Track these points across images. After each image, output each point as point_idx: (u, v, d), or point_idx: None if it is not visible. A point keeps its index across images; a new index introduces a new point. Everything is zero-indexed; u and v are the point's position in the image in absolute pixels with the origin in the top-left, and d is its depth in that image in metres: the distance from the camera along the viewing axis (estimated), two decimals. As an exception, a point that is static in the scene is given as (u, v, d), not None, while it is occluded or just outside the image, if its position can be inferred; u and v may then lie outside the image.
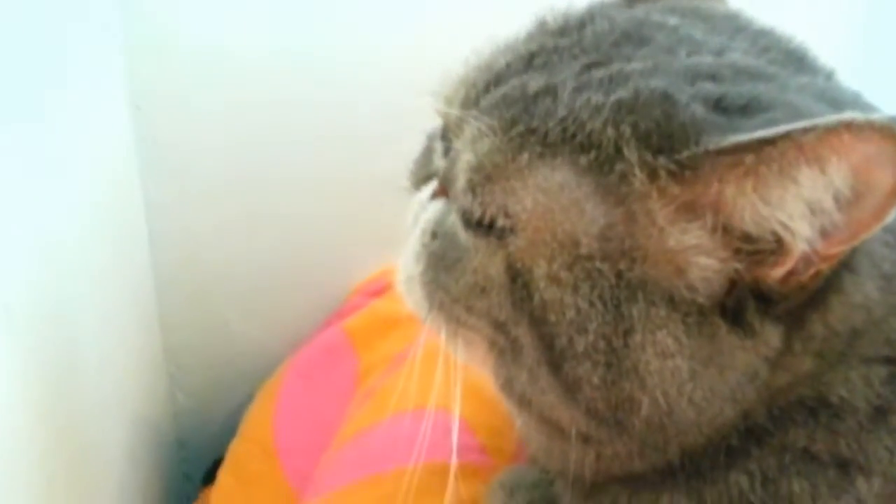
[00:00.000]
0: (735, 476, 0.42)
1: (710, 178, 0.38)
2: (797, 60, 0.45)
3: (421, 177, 0.52)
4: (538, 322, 0.41)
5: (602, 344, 0.40)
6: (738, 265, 0.39)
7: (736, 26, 0.46)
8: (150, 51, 0.78)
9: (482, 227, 0.42)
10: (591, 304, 0.40)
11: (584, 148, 0.40)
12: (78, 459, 0.65)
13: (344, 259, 0.93)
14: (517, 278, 0.41)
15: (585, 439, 0.43)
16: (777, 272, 0.39)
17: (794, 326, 0.40)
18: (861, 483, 0.41)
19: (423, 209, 0.48)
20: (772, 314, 0.40)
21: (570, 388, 0.41)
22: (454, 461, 0.49)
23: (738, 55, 0.43)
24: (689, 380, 0.40)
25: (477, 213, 0.42)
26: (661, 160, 0.38)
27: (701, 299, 0.39)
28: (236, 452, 0.79)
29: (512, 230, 0.41)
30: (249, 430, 0.80)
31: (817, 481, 0.41)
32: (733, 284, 0.40)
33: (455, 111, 0.46)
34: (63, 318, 0.63)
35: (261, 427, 0.78)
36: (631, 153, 0.39)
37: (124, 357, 0.80)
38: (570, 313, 0.40)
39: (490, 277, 0.42)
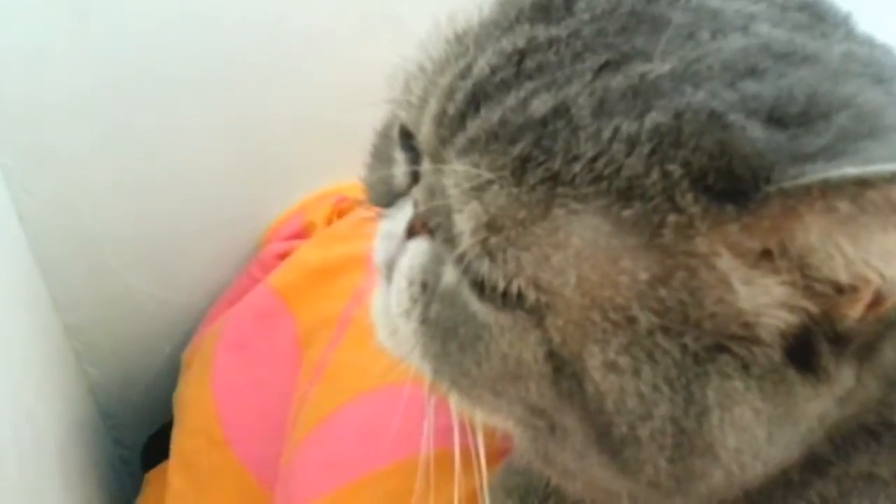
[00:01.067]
0: None
1: (791, 224, 0.31)
2: (817, 16, 0.38)
3: (381, 194, 0.43)
4: (592, 412, 0.35)
5: (671, 428, 0.34)
6: (814, 309, 0.34)
7: None
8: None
9: (507, 297, 0.35)
10: (656, 388, 0.33)
11: (625, 196, 0.32)
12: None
13: (249, 197, 0.84)
14: (563, 367, 0.35)
15: (639, 499, 0.39)
16: (856, 310, 0.34)
17: (865, 359, 0.36)
18: None
19: (400, 249, 0.40)
20: (846, 354, 0.35)
21: (630, 469, 0.36)
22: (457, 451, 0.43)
23: (765, 27, 0.36)
24: (766, 444, 0.35)
25: (500, 285, 0.34)
26: (729, 209, 0.31)
27: (772, 353, 0.34)
28: (182, 448, 0.71)
29: (548, 306, 0.34)
30: (190, 419, 0.72)
31: (878, 499, 0.39)
32: (802, 326, 0.34)
33: (429, 130, 0.37)
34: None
35: (202, 415, 0.71)
36: (687, 202, 0.32)
37: (23, 345, 0.71)
38: (632, 402, 0.34)
39: (524, 363, 0.35)
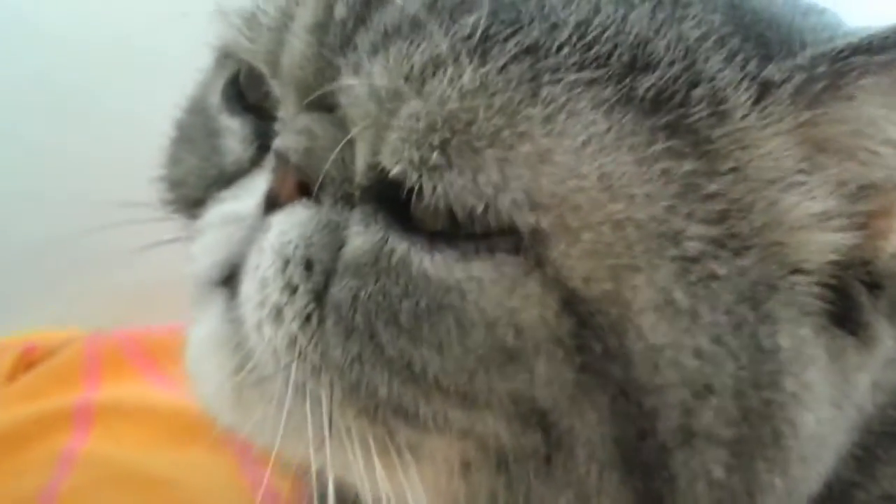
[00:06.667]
0: None
1: (845, 96, 0.27)
2: None
3: (201, 183, 0.33)
4: (634, 391, 0.25)
5: (733, 407, 0.26)
6: (853, 240, 0.29)
7: None
8: None
9: (482, 238, 0.25)
10: (718, 339, 0.25)
11: (634, 68, 0.25)
12: None
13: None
14: (591, 317, 0.25)
15: None
16: (892, 242, 0.29)
17: None
18: None
19: (256, 232, 0.29)
20: (880, 307, 0.30)
21: (667, 497, 0.26)
22: None
23: None
24: (830, 428, 0.29)
25: (475, 207, 0.25)
26: (775, 73, 0.27)
27: (820, 303, 0.28)
28: None
29: (555, 230, 0.25)
30: None
31: None
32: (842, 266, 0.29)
33: (303, 50, 0.29)
34: None
35: None
36: (719, 72, 0.27)
37: None
38: (691, 364, 0.25)
39: (526, 329, 0.25)
